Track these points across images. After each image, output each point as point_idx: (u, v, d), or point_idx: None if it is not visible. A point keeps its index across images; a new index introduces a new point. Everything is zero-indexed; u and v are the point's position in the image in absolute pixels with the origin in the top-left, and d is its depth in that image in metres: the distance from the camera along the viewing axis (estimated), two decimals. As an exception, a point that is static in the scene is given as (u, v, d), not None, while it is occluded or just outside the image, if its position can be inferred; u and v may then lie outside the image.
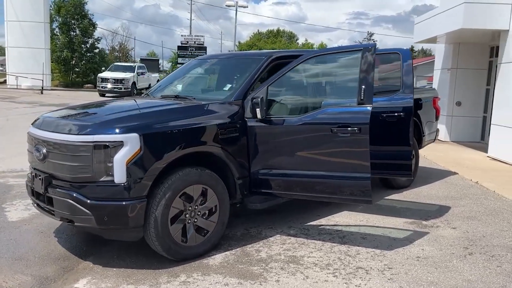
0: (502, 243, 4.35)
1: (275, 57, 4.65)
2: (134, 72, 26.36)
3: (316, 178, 4.03)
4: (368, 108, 3.76)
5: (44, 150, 3.79)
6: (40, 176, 3.82)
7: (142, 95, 5.39)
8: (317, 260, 3.89)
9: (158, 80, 31.08)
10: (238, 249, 4.14)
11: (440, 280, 3.52)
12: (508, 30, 8.86)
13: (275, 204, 4.62)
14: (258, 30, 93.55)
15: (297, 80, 4.36)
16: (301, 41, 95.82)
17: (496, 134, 9.20)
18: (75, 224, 3.64)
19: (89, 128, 3.59)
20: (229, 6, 33.89)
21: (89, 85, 31.70)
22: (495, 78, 10.96)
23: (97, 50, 35.03)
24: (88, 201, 3.53)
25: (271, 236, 4.46)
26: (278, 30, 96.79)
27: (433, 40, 12.02)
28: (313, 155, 4.04)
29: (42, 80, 26.05)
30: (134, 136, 3.51)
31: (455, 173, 7.57)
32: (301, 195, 4.23)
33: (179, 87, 5.11)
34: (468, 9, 8.79)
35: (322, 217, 5.10)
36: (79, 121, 3.81)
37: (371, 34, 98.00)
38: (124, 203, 3.52)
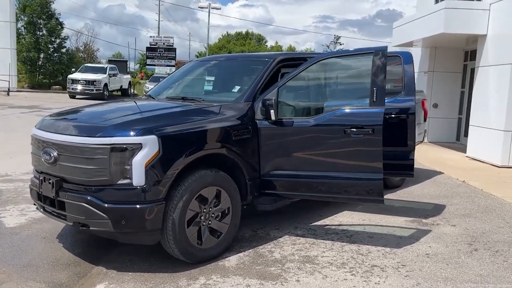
0: (502, 239, 4.53)
1: (280, 59, 4.69)
2: (106, 73, 25.77)
3: (328, 178, 4.09)
4: (381, 109, 3.85)
5: (55, 153, 3.68)
6: (50, 180, 3.71)
7: (142, 96, 5.30)
8: (331, 259, 3.95)
9: (130, 82, 30.58)
10: (250, 250, 4.14)
11: (454, 275, 3.65)
12: (485, 35, 9.23)
13: (282, 205, 4.64)
14: (228, 32, 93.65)
15: (307, 82, 4.41)
16: (270, 43, 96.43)
17: (474, 135, 9.56)
18: (90, 228, 3.55)
19: (105, 130, 3.51)
20: (202, 7, 33.72)
21: (57, 86, 30.78)
22: (470, 81, 11.42)
23: (64, 50, 34.08)
24: (105, 204, 3.45)
25: (280, 237, 4.48)
26: (247, 33, 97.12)
27: (410, 44, 12.37)
28: (326, 156, 4.09)
29: (9, 81, 25.11)
30: (153, 138, 3.47)
31: (441, 173, 7.82)
32: (313, 195, 4.28)
33: (183, 89, 5.08)
34: (449, 15, 9.10)
35: (325, 217, 5.17)
36: (94, 123, 3.73)
37: (338, 38, 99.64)
38: (142, 206, 3.47)
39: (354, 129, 3.90)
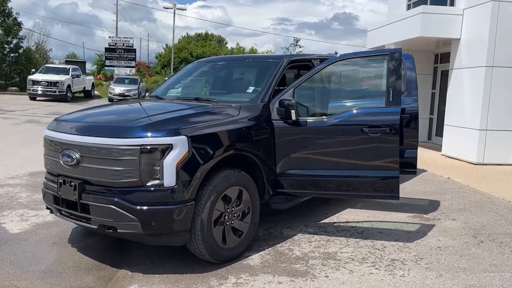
0: (502, 231, 4.82)
1: (290, 61, 4.78)
2: (68, 74, 24.94)
3: (345, 177, 4.21)
4: (398, 109, 4.02)
5: (77, 155, 3.60)
6: (71, 182, 3.62)
7: (146, 97, 5.23)
8: (351, 255, 4.06)
9: (93, 83, 29.75)
10: (269, 249, 4.20)
11: (471, 266, 3.85)
12: (459, 39, 9.71)
13: (295, 204, 4.72)
14: (187, 34, 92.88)
15: (322, 83, 4.51)
16: (230, 45, 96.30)
17: (449, 134, 10.02)
18: (118, 231, 3.50)
19: (134, 131, 3.47)
20: (166, 8, 33.31)
21: (14, 88, 29.51)
22: (440, 83, 11.95)
23: (21, 51, 32.73)
24: (135, 206, 3.41)
25: (294, 235, 4.56)
26: (206, 34, 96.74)
27: (383, 47, 12.79)
28: (343, 155, 4.21)
29: (-37, 83, 23.87)
30: (183, 138, 3.46)
31: (424, 170, 8.15)
32: (330, 193, 4.39)
33: (193, 90, 5.06)
34: (425, 19, 9.51)
35: (331, 215, 5.29)
36: (120, 124, 3.67)
37: (297, 40, 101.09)
38: (173, 206, 3.45)
39: (372, 128, 4.04)
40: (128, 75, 33.83)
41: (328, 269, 3.75)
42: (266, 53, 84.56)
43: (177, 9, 33.04)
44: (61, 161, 3.73)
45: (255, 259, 3.96)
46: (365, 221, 5.08)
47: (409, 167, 5.19)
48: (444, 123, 10.23)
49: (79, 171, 3.62)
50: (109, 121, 3.92)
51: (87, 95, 28.14)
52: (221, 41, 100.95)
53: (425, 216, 5.31)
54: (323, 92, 4.57)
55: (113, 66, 37.03)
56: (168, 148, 3.42)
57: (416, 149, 5.28)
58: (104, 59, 38.62)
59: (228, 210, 3.85)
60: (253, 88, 4.58)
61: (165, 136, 3.43)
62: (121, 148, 3.42)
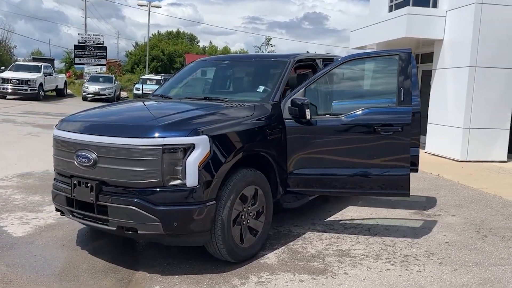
0: (502, 226, 5.00)
1: (297, 60, 4.81)
2: (40, 72, 24.23)
3: (357, 175, 4.27)
4: (409, 108, 4.11)
5: (94, 156, 3.52)
6: (88, 183, 3.54)
7: (150, 96, 5.15)
8: (364, 252, 4.13)
9: (65, 82, 29.00)
10: (283, 247, 4.22)
11: (481, 260, 3.98)
12: (442, 40, 9.98)
13: (305, 202, 4.75)
14: (158, 31, 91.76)
15: (332, 82, 4.56)
16: (202, 43, 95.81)
17: (433, 132, 10.30)
18: (138, 232, 3.44)
19: (156, 130, 3.42)
20: (141, 5, 32.82)
21: (-21, 86, 28.42)
22: (421, 82, 12.24)
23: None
24: (157, 207, 3.37)
25: (303, 234, 4.60)
26: (178, 32, 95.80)
27: (365, 47, 13.01)
28: (354, 153, 4.27)
29: None
30: (205, 138, 3.44)
31: (413, 168, 8.34)
32: (341, 191, 4.46)
33: (198, 89, 5.02)
34: (410, 20, 9.73)
35: (334, 212, 5.36)
36: (141, 124, 3.61)
37: (269, 39, 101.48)
38: (195, 206, 3.43)
39: (384, 127, 4.12)
40: (99, 73, 33.17)
41: (346, 266, 3.80)
42: (240, 52, 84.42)
43: (152, 6, 32.60)
44: (75, 162, 3.63)
45: (271, 258, 3.97)
46: (369, 218, 5.17)
47: (412, 165, 5.29)
48: (428, 122, 10.50)
49: (96, 172, 3.54)
50: (126, 120, 3.85)
51: (60, 93, 27.42)
52: (192, 39, 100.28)
53: (425, 212, 5.45)
54: (331, 92, 4.61)
55: (83, 64, 36.21)
56: (190, 148, 3.39)
57: (418, 147, 5.40)
58: (73, 56, 37.70)
59: (244, 209, 3.85)
60: (263, 87, 4.58)
61: (187, 136, 3.40)
62: (142, 148, 3.36)
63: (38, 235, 4.38)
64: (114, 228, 3.52)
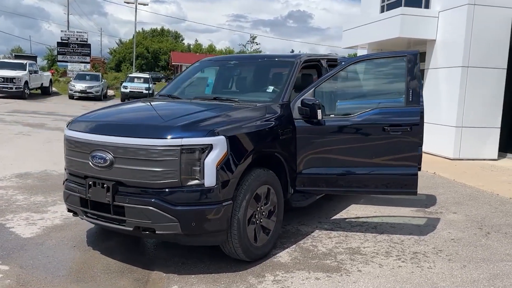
0: (503, 222, 5.14)
1: (304, 60, 4.86)
2: (25, 70, 23.83)
3: (366, 174, 4.35)
4: (418, 108, 4.20)
5: (110, 156, 3.52)
6: (104, 184, 3.54)
7: (157, 96, 5.14)
8: (374, 249, 4.21)
9: (51, 80, 28.58)
10: (293, 246, 4.27)
11: (488, 256, 4.10)
12: (435, 40, 10.15)
13: (313, 201, 4.81)
14: (143, 29, 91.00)
15: (342, 83, 4.62)
16: (188, 41, 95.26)
17: (426, 131, 10.42)
18: (156, 232, 3.45)
19: (174, 131, 3.43)
20: (128, 2, 32.50)
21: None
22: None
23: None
24: (175, 207, 3.39)
25: (311, 232, 4.66)
26: (162, 29, 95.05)
27: (355, 46, 13.16)
28: (364, 153, 4.34)
29: None
30: (222, 139, 3.47)
31: (409, 166, 8.48)
32: (350, 190, 4.53)
33: (205, 89, 5.03)
34: (404, 20, 9.87)
35: (339, 211, 5.44)
36: (159, 124, 3.62)
37: (254, 37, 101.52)
38: (213, 206, 3.46)
39: (393, 127, 4.20)
40: (83, 71, 32.81)
41: (358, 264, 3.87)
42: (226, 50, 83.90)
43: (139, 3, 32.32)
44: (90, 163, 3.63)
45: (283, 256, 4.02)
46: (374, 216, 5.26)
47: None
48: (420, 121, 10.64)
49: (113, 172, 3.54)
50: (143, 121, 3.85)
51: (45, 92, 27.03)
52: (177, 37, 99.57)
53: (427, 210, 5.56)
54: (339, 92, 4.67)
55: (66, 62, 35.80)
56: (207, 148, 3.41)
57: (421, 146, 5.50)
58: (56, 53, 37.20)
59: (258, 209, 3.89)
60: (272, 87, 4.62)
61: (205, 136, 3.43)
62: (161, 148, 3.37)
63: (47, 236, 4.35)
64: (131, 229, 3.52)
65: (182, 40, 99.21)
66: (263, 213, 3.97)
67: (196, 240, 3.63)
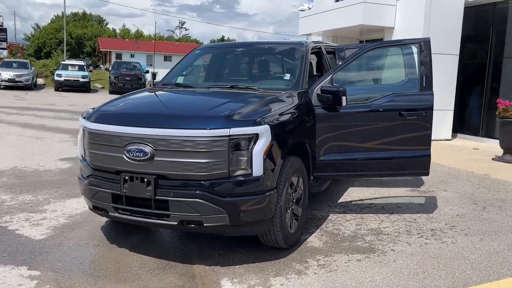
0: (490, 197, 5.60)
1: (311, 47, 4.92)
2: None
3: (382, 158, 4.52)
4: (431, 94, 4.42)
5: (150, 149, 3.36)
6: (144, 178, 3.38)
7: (159, 85, 4.93)
8: (394, 229, 4.41)
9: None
10: (317, 230, 4.36)
11: (495, 228, 4.46)
12: (393, 27, 10.63)
13: (327, 186, 4.92)
14: (63, 13, 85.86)
15: (357, 70, 4.73)
16: (112, 26, 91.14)
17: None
18: (204, 225, 3.38)
19: (220, 121, 3.35)
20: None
21: None
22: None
23: None
24: (224, 198, 3.33)
25: (327, 216, 4.77)
26: (85, 13, 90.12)
27: (309, 34, 13.42)
28: (380, 137, 4.50)
29: None
30: (267, 128, 3.44)
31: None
32: (367, 174, 4.69)
33: (216, 77, 4.90)
34: (366, 8, 10.23)
35: (340, 194, 5.61)
36: (204, 114, 3.50)
37: (183, 23, 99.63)
38: (261, 196, 3.44)
39: (409, 112, 4.40)
40: (8, 56, 30.45)
41: (388, 244, 4.04)
42: (155, 36, 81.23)
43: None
44: (124, 156, 3.44)
45: (314, 241, 4.10)
46: (376, 198, 5.49)
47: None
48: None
49: (153, 165, 3.38)
50: (182, 111, 3.69)
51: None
52: (101, 21, 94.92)
53: (420, 189, 5.91)
54: (351, 79, 4.79)
55: (-21, 48, 33.13)
56: (253, 137, 3.38)
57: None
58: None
59: (291, 196, 3.93)
60: (289, 75, 4.63)
61: (252, 126, 3.38)
62: (209, 139, 3.28)
63: (61, 236, 4.08)
64: (175, 223, 3.41)
65: (107, 24, 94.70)
66: (294, 200, 4.01)
67: (241, 231, 3.59)
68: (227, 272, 3.46)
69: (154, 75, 5.51)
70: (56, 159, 7.28)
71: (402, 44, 4.71)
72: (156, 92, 4.39)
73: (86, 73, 26.30)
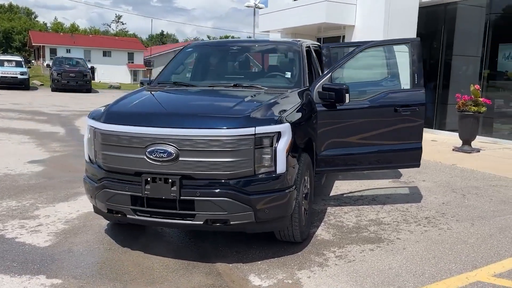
0: (465, 185, 6.03)
1: (306, 45, 5.06)
2: None
3: (380, 152, 4.75)
4: (422, 90, 4.71)
5: (174, 149, 3.34)
6: (168, 179, 3.35)
7: (155, 84, 4.84)
8: (392, 219, 4.66)
9: None
10: (323, 224, 4.51)
11: (479, 214, 4.84)
12: (354, 26, 11.03)
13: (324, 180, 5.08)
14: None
15: (351, 68, 4.91)
16: (42, 19, 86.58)
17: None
18: (231, 223, 3.41)
19: (245, 120, 3.38)
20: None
21: None
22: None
23: None
24: (250, 196, 3.38)
25: (325, 210, 4.94)
26: (11, 6, 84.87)
27: (273, 31, 13.58)
28: (378, 132, 4.73)
29: None
30: (288, 126, 3.53)
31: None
32: (362, 167, 4.90)
33: (213, 76, 4.88)
34: (330, 6, 10.54)
35: (330, 188, 5.81)
36: (226, 114, 3.50)
37: (119, 17, 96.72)
38: (285, 192, 3.52)
39: (404, 107, 4.65)
40: None
41: (392, 233, 4.27)
42: (90, 29, 77.97)
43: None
44: (145, 158, 3.39)
45: (323, 234, 4.24)
46: (364, 190, 5.74)
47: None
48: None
49: (178, 166, 3.36)
50: (204, 110, 3.67)
51: None
52: (29, 14, 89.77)
53: (401, 180, 6.25)
54: (347, 77, 4.97)
55: None
56: (276, 135, 3.45)
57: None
58: None
59: (303, 191, 4.04)
60: (289, 73, 4.72)
61: (275, 124, 3.45)
62: (235, 138, 3.31)
63: (66, 242, 3.94)
64: (201, 223, 3.41)
65: (36, 18, 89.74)
66: (303, 195, 4.13)
67: (263, 227, 3.65)
68: (252, 269, 3.52)
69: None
70: (24, 162, 6.91)
71: (393, 43, 4.97)
72: (163, 91, 4.32)
73: (25, 69, 24.85)
